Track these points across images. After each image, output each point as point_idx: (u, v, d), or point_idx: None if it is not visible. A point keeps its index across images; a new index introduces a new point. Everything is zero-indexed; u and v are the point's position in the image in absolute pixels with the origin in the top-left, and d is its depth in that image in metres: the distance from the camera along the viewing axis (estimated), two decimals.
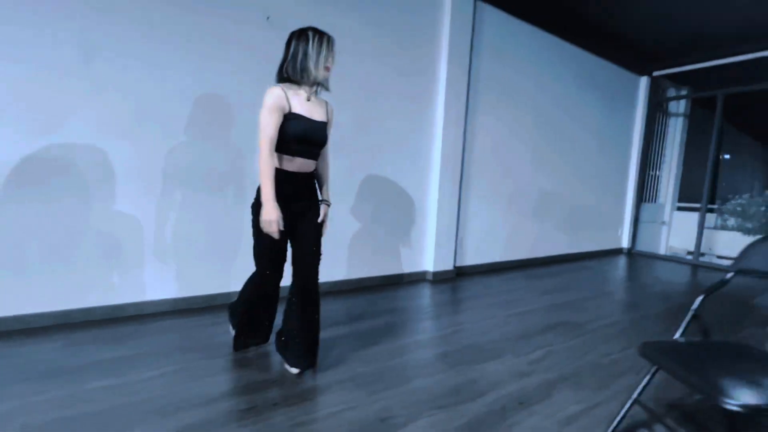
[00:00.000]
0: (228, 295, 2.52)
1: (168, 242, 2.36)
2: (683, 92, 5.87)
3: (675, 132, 6.06)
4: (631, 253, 5.71)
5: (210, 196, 2.46)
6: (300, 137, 1.55)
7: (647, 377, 1.32)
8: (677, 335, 1.37)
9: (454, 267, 3.72)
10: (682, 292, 3.75)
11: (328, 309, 2.48)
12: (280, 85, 1.55)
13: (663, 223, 6.21)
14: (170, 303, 2.40)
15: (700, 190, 5.28)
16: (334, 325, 2.32)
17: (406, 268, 3.45)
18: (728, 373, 1.05)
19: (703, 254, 5.63)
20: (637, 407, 1.36)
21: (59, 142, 2.03)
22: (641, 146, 5.60)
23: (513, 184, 4.17)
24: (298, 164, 1.60)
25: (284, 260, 1.74)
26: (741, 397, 0.96)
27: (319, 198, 1.76)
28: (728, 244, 5.54)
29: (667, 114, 5.94)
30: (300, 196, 1.64)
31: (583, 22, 4.20)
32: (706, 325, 1.36)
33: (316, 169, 1.73)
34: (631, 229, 5.74)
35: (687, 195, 6.16)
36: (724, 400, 0.97)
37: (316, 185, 1.76)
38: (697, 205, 5.83)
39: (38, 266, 2.03)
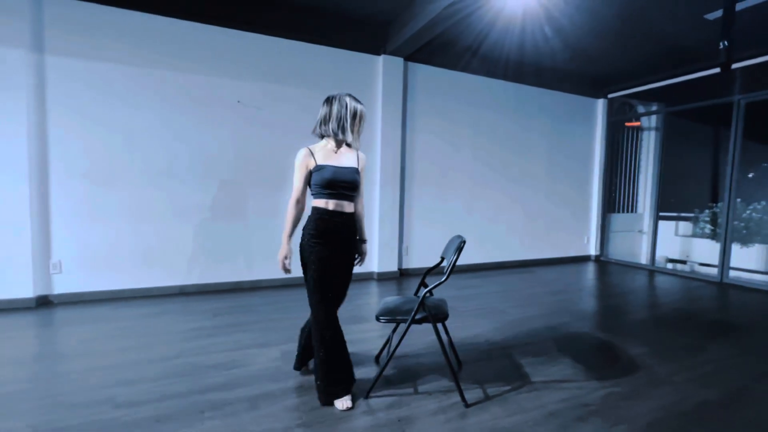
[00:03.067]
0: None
1: None
2: (653, 108, 6.25)
3: (649, 146, 6.40)
4: (599, 260, 6.13)
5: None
6: (328, 182, 1.81)
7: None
8: (414, 294, 2.31)
9: (399, 269, 4.69)
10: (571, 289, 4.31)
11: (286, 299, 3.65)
12: (307, 146, 1.90)
13: (640, 231, 6.51)
14: None
15: (681, 200, 5.65)
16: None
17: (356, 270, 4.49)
18: (391, 308, 2.00)
19: (684, 262, 5.91)
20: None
21: None
22: (603, 161, 6.08)
23: (459, 197, 5.04)
24: (332, 205, 1.84)
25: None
26: (380, 315, 1.93)
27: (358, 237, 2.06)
28: (707, 252, 5.74)
29: (624, 131, 6.30)
30: (338, 232, 1.86)
31: (530, 68, 5.03)
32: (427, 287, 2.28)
33: (354, 211, 1.97)
34: (599, 237, 6.17)
35: (674, 205, 6.40)
36: (377, 318, 1.94)
37: (356, 225, 2.00)
38: (674, 214, 6.17)
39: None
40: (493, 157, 5.25)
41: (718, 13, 3.60)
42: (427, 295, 1.93)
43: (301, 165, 1.84)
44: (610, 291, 4.37)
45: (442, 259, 2.27)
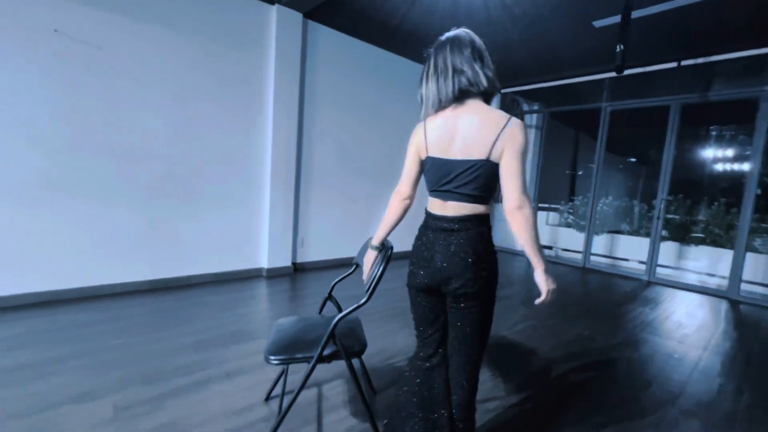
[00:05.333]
0: None
1: None
2: (535, 107, 6.76)
3: (531, 142, 6.96)
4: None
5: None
6: None
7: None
8: (318, 312, 1.78)
9: (293, 263, 4.06)
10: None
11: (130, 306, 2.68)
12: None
13: None
14: None
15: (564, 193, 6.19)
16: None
17: (240, 266, 3.72)
18: (288, 340, 1.45)
19: (550, 247, 6.60)
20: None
21: None
22: None
23: (358, 188, 4.61)
24: None
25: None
26: (274, 354, 1.36)
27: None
28: (570, 239, 6.52)
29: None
30: None
31: (424, 44, 4.74)
32: (338, 303, 1.79)
33: None
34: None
35: (544, 198, 7.12)
36: (266, 357, 1.36)
37: None
38: (545, 206, 6.92)
39: None
40: (398, 142, 4.94)
41: (605, 21, 3.85)
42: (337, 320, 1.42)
43: None
44: None
45: (356, 266, 1.79)
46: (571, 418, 1.79)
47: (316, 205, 4.22)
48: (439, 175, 1.23)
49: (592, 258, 5.56)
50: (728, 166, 5.48)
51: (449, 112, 1.20)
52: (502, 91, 6.27)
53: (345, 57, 4.26)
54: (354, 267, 1.80)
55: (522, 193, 1.13)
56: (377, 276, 1.35)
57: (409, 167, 1.32)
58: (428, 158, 1.26)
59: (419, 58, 4.98)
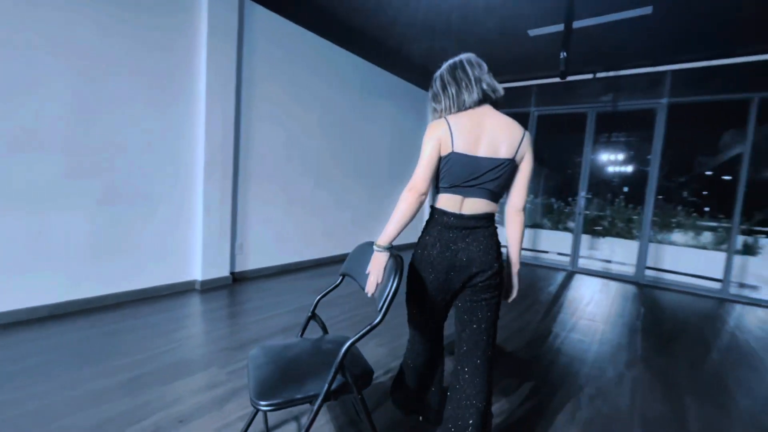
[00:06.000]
0: None
1: None
2: None
3: None
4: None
5: None
6: None
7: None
8: (299, 335, 1.52)
9: (231, 273, 3.60)
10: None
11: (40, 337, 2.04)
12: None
13: None
14: None
15: None
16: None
17: (168, 279, 3.15)
18: (277, 377, 1.18)
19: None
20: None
21: None
22: None
23: (304, 185, 4.27)
24: None
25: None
26: (266, 398, 1.08)
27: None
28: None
29: None
30: None
31: (369, 39, 4.57)
32: (323, 323, 1.55)
33: None
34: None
35: None
36: (254, 402, 1.08)
37: None
38: None
39: None
40: (339, 139, 4.71)
41: (539, 31, 4.11)
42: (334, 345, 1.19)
43: None
44: None
45: (343, 278, 1.57)
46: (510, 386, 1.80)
47: (256, 204, 3.79)
48: (467, 172, 1.25)
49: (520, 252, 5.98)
50: (632, 168, 6.33)
51: (472, 113, 1.27)
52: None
53: (287, 41, 3.89)
54: (341, 278, 1.57)
55: (525, 199, 1.34)
56: (393, 289, 1.16)
57: (431, 163, 1.25)
58: (453, 154, 1.24)
59: (365, 54, 4.81)
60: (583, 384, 2.11)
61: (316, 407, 1.10)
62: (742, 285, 4.54)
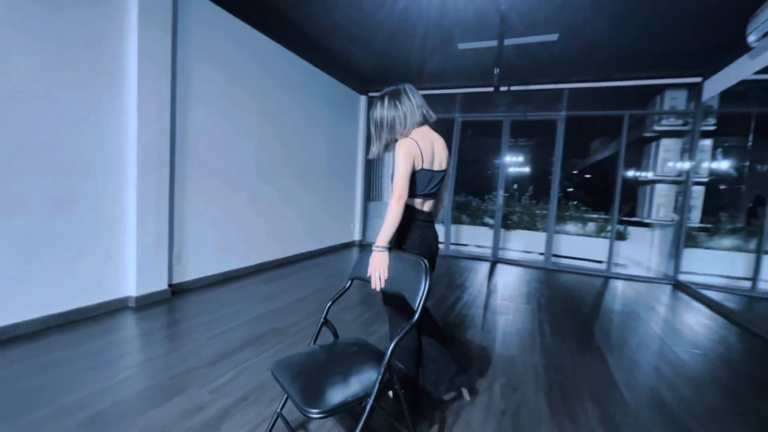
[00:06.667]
0: None
1: None
2: None
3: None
4: (362, 245, 6.73)
5: None
6: None
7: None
8: (311, 343, 1.52)
9: (169, 285, 3.25)
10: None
11: None
12: None
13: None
14: None
15: None
16: None
17: (95, 298, 2.72)
18: (317, 384, 1.19)
19: None
20: (280, 421, 1.43)
21: None
22: (364, 154, 6.63)
23: (245, 187, 4.03)
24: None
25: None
26: (317, 406, 1.10)
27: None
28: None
29: None
30: None
31: (310, 41, 4.48)
32: (334, 328, 1.57)
33: None
34: (362, 224, 6.76)
35: None
36: (306, 411, 1.09)
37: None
38: None
39: None
40: (280, 138, 4.54)
41: (468, 45, 4.53)
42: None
43: None
44: None
45: (352, 282, 1.61)
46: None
47: (194, 208, 3.47)
48: (427, 182, 1.65)
49: (440, 245, 6.50)
50: (536, 169, 7.32)
51: (424, 134, 1.64)
52: (370, 94, 6.58)
53: (223, 32, 3.62)
54: (350, 282, 1.61)
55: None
56: (426, 289, 1.26)
57: (408, 176, 1.56)
58: (422, 170, 1.62)
59: (304, 54, 4.71)
60: (500, 346, 2.48)
61: (369, 404, 1.15)
62: (616, 264, 5.66)
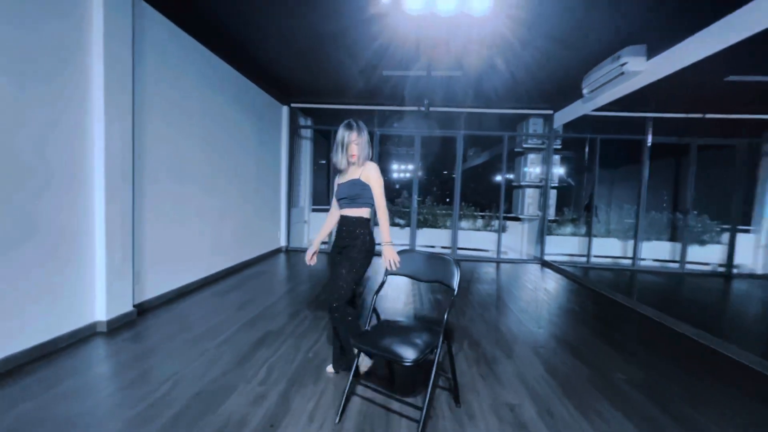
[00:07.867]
0: None
1: None
2: (308, 122, 7.68)
3: (306, 152, 7.86)
4: (288, 251, 6.92)
5: None
6: (336, 195, 2.29)
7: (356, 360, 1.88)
8: (366, 326, 2.02)
9: (134, 305, 3.13)
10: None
11: None
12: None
13: (305, 222, 7.94)
14: None
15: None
16: None
17: (62, 328, 2.54)
18: (398, 345, 1.73)
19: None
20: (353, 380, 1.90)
21: None
22: (287, 163, 6.85)
23: (193, 200, 3.98)
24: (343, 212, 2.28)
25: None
26: (407, 356, 1.65)
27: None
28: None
29: (300, 138, 7.56)
30: (339, 232, 2.29)
31: (238, 48, 4.58)
32: (378, 312, 2.09)
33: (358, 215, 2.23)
34: (287, 230, 6.94)
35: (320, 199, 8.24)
36: (403, 360, 1.63)
37: (355, 224, 2.22)
38: (322, 207, 8.05)
39: None
40: (219, 149, 4.55)
41: (391, 72, 5.30)
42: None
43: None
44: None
45: (386, 277, 2.15)
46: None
47: (150, 225, 3.36)
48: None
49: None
50: (439, 177, 8.56)
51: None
52: (291, 105, 6.81)
53: (172, 44, 3.57)
54: (384, 278, 2.14)
55: None
56: (459, 274, 1.91)
57: None
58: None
59: (236, 65, 4.76)
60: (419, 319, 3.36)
61: (439, 345, 1.75)
62: (502, 252, 7.23)
